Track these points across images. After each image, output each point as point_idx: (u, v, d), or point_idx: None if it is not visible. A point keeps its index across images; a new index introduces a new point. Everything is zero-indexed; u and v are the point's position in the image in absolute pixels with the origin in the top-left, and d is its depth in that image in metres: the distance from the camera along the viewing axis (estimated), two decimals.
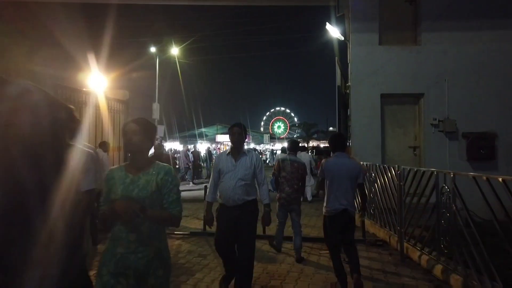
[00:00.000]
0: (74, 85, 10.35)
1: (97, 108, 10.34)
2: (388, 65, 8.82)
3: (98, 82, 11.51)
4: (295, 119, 65.54)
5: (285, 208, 5.38)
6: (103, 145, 9.14)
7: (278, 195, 5.42)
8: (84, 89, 10.40)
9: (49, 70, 10.88)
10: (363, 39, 8.95)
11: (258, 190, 3.94)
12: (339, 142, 4.24)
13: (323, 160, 4.45)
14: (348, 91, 9.34)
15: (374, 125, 8.80)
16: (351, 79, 9.05)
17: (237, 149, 3.81)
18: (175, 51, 28.14)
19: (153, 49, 27.17)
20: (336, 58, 8.71)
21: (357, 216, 7.56)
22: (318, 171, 4.53)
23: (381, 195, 6.25)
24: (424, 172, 4.78)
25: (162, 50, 27.80)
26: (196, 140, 40.26)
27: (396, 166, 5.50)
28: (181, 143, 38.19)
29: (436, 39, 8.80)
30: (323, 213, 4.24)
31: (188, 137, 40.53)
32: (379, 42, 8.96)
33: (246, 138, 3.88)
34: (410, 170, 5.20)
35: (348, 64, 9.57)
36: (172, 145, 32.41)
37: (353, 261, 3.99)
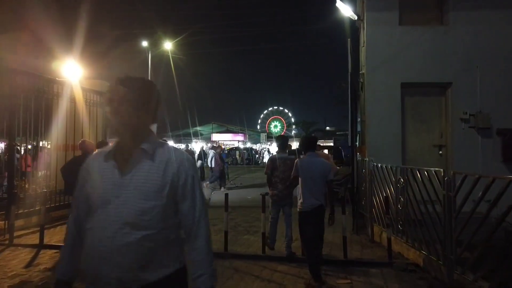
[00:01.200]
0: (49, 74, 9.05)
1: (72, 100, 9.03)
2: (410, 48, 7.54)
3: (73, 71, 10.10)
4: (290, 115, 63.67)
5: (278, 204, 5.55)
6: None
7: (270, 192, 5.59)
8: (57, 79, 9.10)
9: (13, 55, 9.48)
10: (381, 18, 7.64)
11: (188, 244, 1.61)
12: (310, 144, 4.77)
13: (296, 160, 4.78)
14: (361, 80, 7.98)
15: (392, 120, 7.53)
16: (366, 65, 7.71)
17: (125, 144, 1.56)
18: (168, 45, 26.73)
19: (145, 44, 25.79)
20: (348, 40, 7.35)
21: (377, 229, 6.20)
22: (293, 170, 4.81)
23: (415, 207, 4.87)
24: (493, 180, 3.39)
25: (155, 44, 26.42)
26: (191, 139, 38.86)
27: (441, 170, 4.12)
28: (175, 142, 36.78)
29: (466, 18, 7.50)
30: (299, 209, 4.54)
31: (182, 136, 39.10)
32: (399, 22, 7.68)
33: (155, 117, 1.67)
34: (466, 176, 3.80)
35: (360, 49, 8.23)
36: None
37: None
